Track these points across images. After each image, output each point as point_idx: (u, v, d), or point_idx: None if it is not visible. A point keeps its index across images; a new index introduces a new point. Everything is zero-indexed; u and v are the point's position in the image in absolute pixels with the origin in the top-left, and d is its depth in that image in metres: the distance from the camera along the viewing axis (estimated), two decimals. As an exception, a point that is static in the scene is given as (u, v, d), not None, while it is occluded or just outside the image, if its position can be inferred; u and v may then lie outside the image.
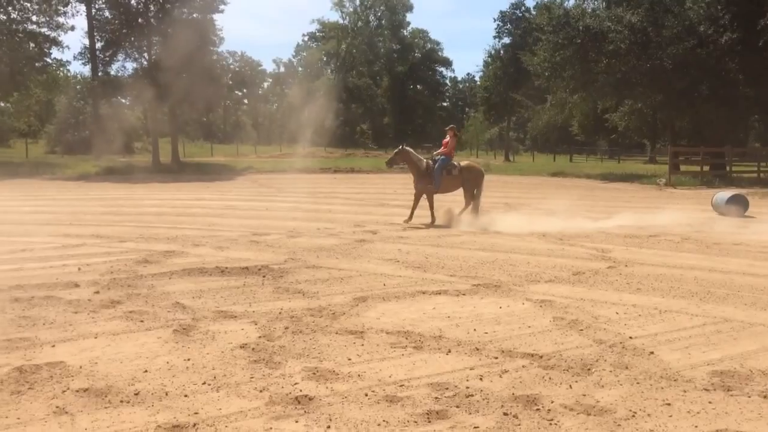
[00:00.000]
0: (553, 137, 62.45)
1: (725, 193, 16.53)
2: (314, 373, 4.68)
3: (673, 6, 31.26)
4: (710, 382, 4.61)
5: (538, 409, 4.11)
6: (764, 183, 26.24)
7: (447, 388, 4.44)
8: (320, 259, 9.32)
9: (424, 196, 13.98)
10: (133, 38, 38.98)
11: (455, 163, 14.29)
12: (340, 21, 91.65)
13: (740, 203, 15.82)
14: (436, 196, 14.14)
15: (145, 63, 39.68)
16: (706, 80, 30.57)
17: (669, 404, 4.22)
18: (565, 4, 37.88)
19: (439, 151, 14.42)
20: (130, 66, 41.04)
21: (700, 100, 31.53)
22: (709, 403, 4.26)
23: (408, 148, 14.52)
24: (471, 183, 14.11)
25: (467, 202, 14.08)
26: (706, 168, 29.96)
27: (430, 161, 14.16)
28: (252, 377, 4.62)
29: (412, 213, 13.72)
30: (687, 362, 5.02)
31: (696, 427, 3.90)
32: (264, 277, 8.01)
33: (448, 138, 14.28)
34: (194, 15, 39.95)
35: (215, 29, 40.68)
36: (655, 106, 38.26)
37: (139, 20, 38.90)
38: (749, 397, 4.36)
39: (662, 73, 30.66)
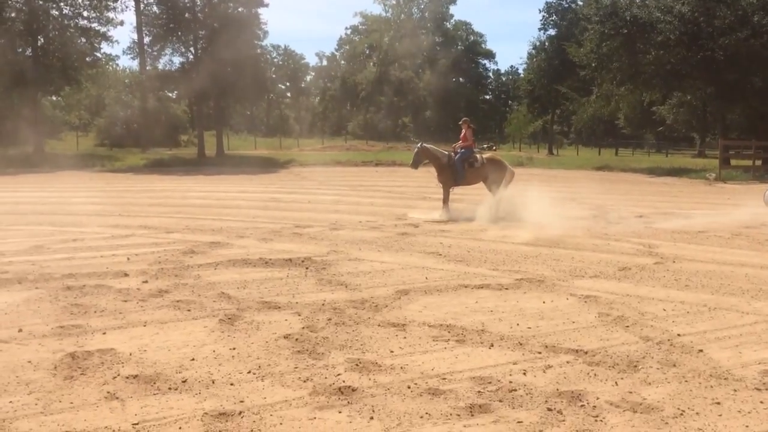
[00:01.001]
0: (599, 130, 61.33)
1: (778, 189, 15.99)
2: (357, 365, 4.72)
3: (726, -5, 30.32)
4: (762, 381, 4.49)
5: (582, 405, 4.06)
6: (820, 178, 25.29)
7: (490, 382, 4.42)
8: (362, 251, 9.36)
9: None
10: (180, 33, 39.71)
11: (477, 156, 14.19)
12: (383, 14, 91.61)
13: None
14: (461, 189, 14.11)
15: (192, 57, 40.35)
16: (759, 72, 29.57)
17: (718, 403, 4.12)
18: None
19: (458, 144, 14.33)
20: (177, 60, 41.79)
21: (753, 92, 30.54)
22: (761, 402, 4.14)
23: (427, 145, 14.54)
24: (494, 176, 14.00)
25: (493, 194, 13.97)
26: (758, 162, 29.03)
27: (452, 153, 14.11)
28: (296, 367, 4.68)
29: (445, 202, 13.73)
30: (737, 361, 4.89)
31: (747, 426, 3.81)
32: (307, 268, 8.09)
33: (464, 131, 14.23)
34: (239, 9, 40.45)
35: (260, 23, 41.19)
36: (705, 99, 37.20)
37: (186, 15, 39.59)
38: (804, 398, 4.22)
39: (713, 64, 29.78)
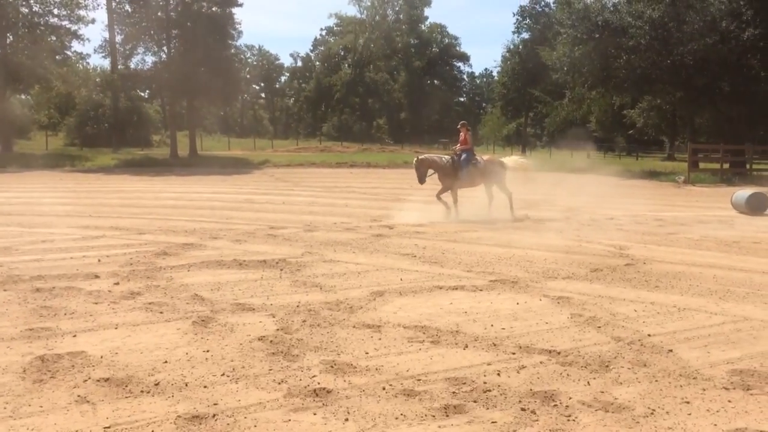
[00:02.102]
0: (571, 133, 62.04)
1: (745, 192, 16.33)
2: (332, 366, 4.71)
3: (695, 1, 30.86)
4: (730, 380, 4.58)
5: (555, 405, 4.11)
6: (786, 181, 25.88)
7: (464, 383, 4.44)
8: (337, 253, 9.35)
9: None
10: (152, 32, 39.27)
11: (478, 157, 14.31)
12: (358, 15, 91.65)
13: (760, 201, 15.63)
14: (462, 191, 14.19)
15: (164, 56, 39.93)
16: (727, 77, 30.18)
17: (688, 402, 4.19)
18: (586, -1, 37.51)
19: (459, 147, 14.39)
20: (150, 59, 41.34)
21: (721, 96, 31.16)
22: (729, 401, 4.23)
23: (423, 156, 14.55)
24: (494, 177, 14.11)
25: (490, 196, 14.09)
26: (725, 166, 29.63)
27: (454, 156, 14.15)
28: (270, 369, 4.66)
29: (455, 203, 13.82)
30: (706, 360, 4.98)
31: (715, 425, 3.88)
32: (281, 270, 8.06)
33: (463, 135, 14.33)
34: (213, 9, 40.13)
35: (234, 23, 40.87)
36: (675, 103, 37.84)
37: (159, 14, 39.14)
38: (769, 396, 4.32)
39: (683, 69, 30.31)
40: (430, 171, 14.05)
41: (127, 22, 39.67)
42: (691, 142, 33.95)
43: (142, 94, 53.87)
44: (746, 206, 15.48)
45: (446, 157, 14.35)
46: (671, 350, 5.20)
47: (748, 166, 29.55)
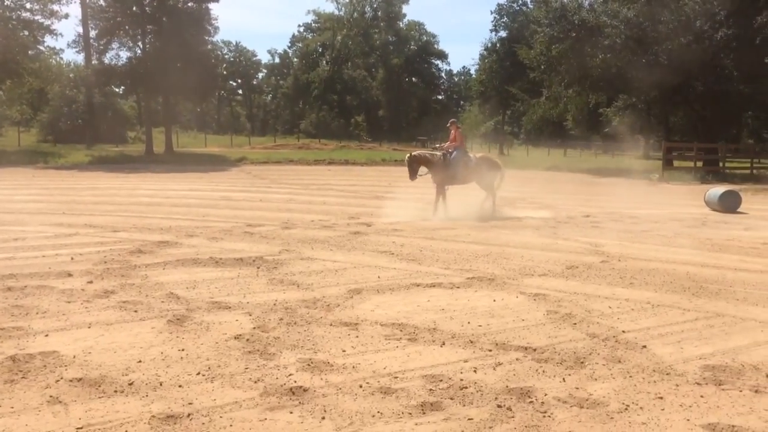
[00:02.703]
0: (548, 131, 62.53)
1: (718, 189, 16.59)
2: (309, 365, 4.69)
3: (670, 1, 31.24)
4: (702, 376, 4.64)
5: (531, 402, 4.13)
6: (757, 179, 26.37)
7: (441, 380, 4.45)
8: (315, 250, 9.32)
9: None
10: (127, 27, 38.76)
11: (471, 155, 14.30)
12: (336, 12, 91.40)
13: (733, 199, 15.89)
14: (454, 188, 14.20)
15: (140, 52, 39.46)
16: (700, 76, 30.62)
17: (661, 398, 4.25)
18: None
19: (449, 145, 14.33)
20: (125, 55, 40.80)
21: (695, 95, 31.61)
22: (701, 397, 4.29)
23: (416, 153, 14.51)
24: (487, 175, 14.14)
25: (487, 192, 14.12)
26: (699, 164, 30.06)
27: (446, 153, 14.10)
28: (246, 368, 4.63)
29: (443, 200, 13.80)
30: (679, 356, 5.05)
31: (688, 420, 3.93)
32: (258, 268, 8.01)
33: (453, 133, 14.30)
34: (189, 4, 39.73)
35: (210, 18, 40.48)
36: (650, 102, 38.32)
37: (134, 8, 38.65)
38: (740, 391, 4.39)
39: (657, 68, 30.67)
40: (423, 169, 14.00)
41: (102, 17, 39.09)
42: (665, 140, 34.40)
43: (117, 89, 53.22)
44: (719, 204, 15.72)
45: (438, 153, 14.32)
46: (645, 346, 5.26)
47: (721, 165, 30.00)
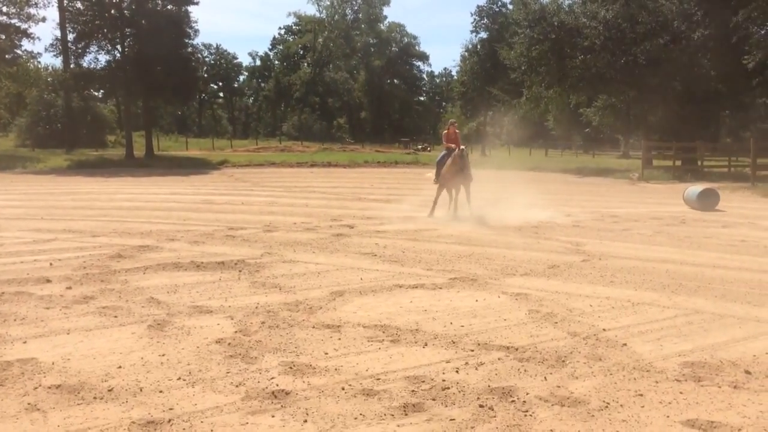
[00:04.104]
0: (529, 132, 62.89)
1: (696, 188, 16.78)
2: (291, 368, 4.67)
3: (648, 2, 31.58)
4: (681, 372, 4.69)
5: (513, 401, 4.15)
6: (734, 177, 26.69)
7: (423, 381, 4.45)
8: (297, 253, 9.29)
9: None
10: (106, 30, 38.38)
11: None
12: (317, 14, 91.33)
13: (711, 197, 16.08)
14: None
15: (119, 55, 39.11)
16: (678, 76, 30.97)
17: (641, 395, 4.28)
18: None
19: (446, 145, 14.21)
20: (104, 58, 40.54)
21: (673, 95, 31.94)
22: (681, 393, 4.33)
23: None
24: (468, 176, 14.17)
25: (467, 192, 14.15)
26: (678, 163, 30.38)
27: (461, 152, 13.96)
28: (228, 372, 4.60)
29: (435, 201, 13.80)
30: (659, 353, 5.10)
31: (668, 417, 3.97)
32: (240, 271, 7.97)
33: (447, 132, 14.22)
34: (169, 7, 39.45)
35: (190, 21, 40.19)
36: (629, 102, 38.69)
37: (113, 12, 38.31)
38: (719, 387, 4.44)
39: (636, 68, 30.98)
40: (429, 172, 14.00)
41: (79, 20, 38.64)
42: (644, 140, 34.74)
43: (96, 93, 52.72)
44: (697, 202, 15.91)
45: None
46: (625, 344, 5.30)
47: (699, 163, 30.32)
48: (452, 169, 13.58)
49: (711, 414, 4.01)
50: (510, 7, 54.63)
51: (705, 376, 4.63)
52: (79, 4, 38.94)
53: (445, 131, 14.47)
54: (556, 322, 5.90)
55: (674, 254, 9.58)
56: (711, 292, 7.13)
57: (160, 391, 4.24)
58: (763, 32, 22.24)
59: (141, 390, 4.26)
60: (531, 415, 3.96)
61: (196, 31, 40.96)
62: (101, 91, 49.13)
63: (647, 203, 17.91)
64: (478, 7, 60.05)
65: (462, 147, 13.82)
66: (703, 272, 8.22)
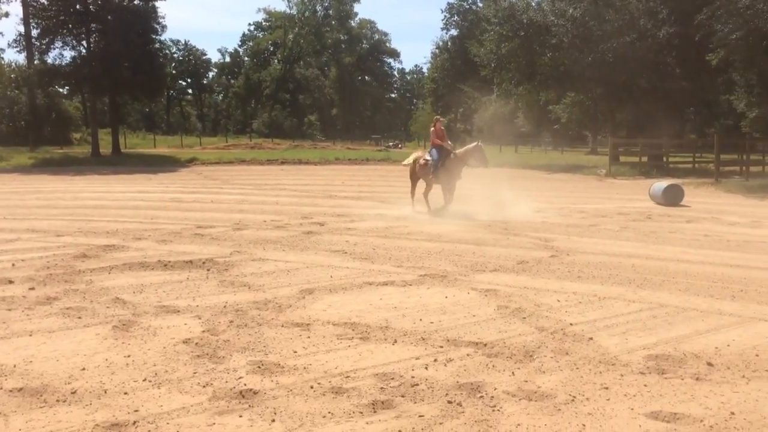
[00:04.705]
0: (500, 128, 63.40)
1: (662, 183, 17.08)
2: (259, 367, 4.64)
3: (615, 1, 31.98)
4: (646, 365, 4.77)
5: (481, 397, 4.18)
6: (699, 173, 27.22)
7: (393, 378, 4.46)
8: (267, 251, 9.23)
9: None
10: (71, 25, 37.64)
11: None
12: (287, 10, 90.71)
13: (676, 193, 16.38)
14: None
15: (84, 51, 38.41)
16: (645, 73, 31.44)
17: (607, 388, 4.34)
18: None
19: (445, 143, 14.19)
20: (69, 54, 39.69)
21: (639, 92, 32.42)
22: (645, 386, 4.40)
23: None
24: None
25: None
26: (644, 159, 30.87)
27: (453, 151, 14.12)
28: (195, 372, 4.55)
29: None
30: (624, 347, 5.17)
31: (632, 409, 4.03)
32: (208, 270, 7.89)
33: (434, 129, 14.16)
34: (135, 2, 38.84)
35: (158, 17, 39.61)
36: (597, 99, 39.16)
37: (78, 7, 37.58)
38: (682, 379, 4.52)
39: (603, 66, 31.38)
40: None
41: (44, 15, 37.81)
42: (612, 136, 35.22)
43: (61, 90, 51.63)
44: (663, 198, 16.19)
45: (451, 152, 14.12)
46: (592, 338, 5.37)
47: (665, 159, 30.85)
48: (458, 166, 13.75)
49: (674, 406, 4.08)
50: (480, 4, 54.96)
51: (668, 368, 4.72)
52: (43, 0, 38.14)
53: (432, 128, 14.31)
54: (525, 318, 5.95)
55: (640, 249, 9.73)
56: (675, 286, 7.26)
57: (125, 393, 4.18)
58: (726, 30, 22.67)
59: (105, 392, 4.20)
60: (499, 410, 3.99)
61: (164, 27, 40.41)
62: (66, 87, 48.03)
63: (614, 199, 18.18)
64: (448, 4, 60.45)
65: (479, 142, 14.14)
66: (667, 266, 8.36)
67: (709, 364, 4.80)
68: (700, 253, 9.40)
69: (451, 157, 13.88)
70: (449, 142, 14.42)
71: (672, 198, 16.16)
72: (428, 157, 14.08)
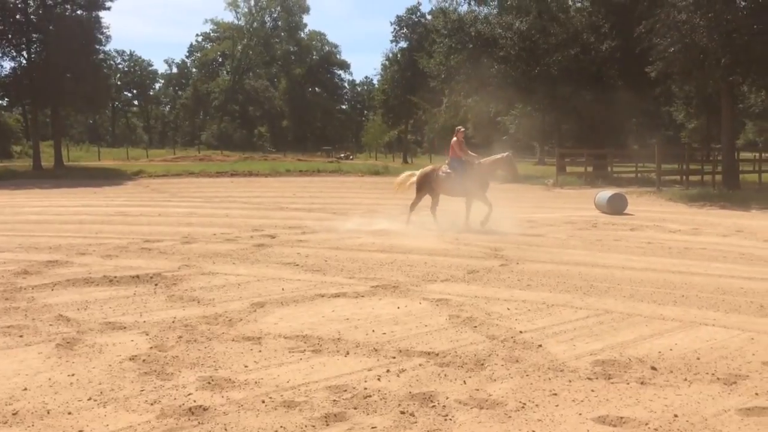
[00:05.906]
0: (450, 139, 64.05)
1: (606, 193, 17.54)
2: (209, 383, 4.56)
3: (559, 15, 32.83)
4: (593, 371, 4.88)
5: (433, 406, 4.20)
6: (641, 182, 28.07)
7: (345, 390, 4.44)
8: (216, 265, 9.10)
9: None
10: (10, 35, 36.53)
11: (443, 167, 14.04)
12: (235, 21, 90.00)
13: (620, 202, 16.85)
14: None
15: (25, 62, 37.29)
16: (588, 85, 32.31)
17: (555, 394, 4.42)
18: (459, 9, 38.96)
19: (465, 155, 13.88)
20: (8, 65, 38.49)
21: (583, 104, 33.30)
22: (592, 391, 4.50)
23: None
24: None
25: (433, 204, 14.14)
26: (589, 169, 31.66)
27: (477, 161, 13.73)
28: (142, 390, 4.44)
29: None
30: (572, 353, 5.28)
31: (580, 414, 4.11)
32: (156, 285, 7.72)
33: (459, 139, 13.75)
34: (78, 12, 37.96)
35: (101, 27, 38.80)
36: (543, 110, 40.03)
37: (17, 16, 36.52)
38: (628, 384, 4.64)
39: (549, 78, 32.13)
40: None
41: (-19, 25, 36.64)
42: (558, 147, 36.02)
43: (0, 101, 49.97)
44: (607, 206, 16.63)
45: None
46: (541, 345, 5.47)
47: (609, 169, 31.70)
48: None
49: (620, 410, 4.19)
50: (429, 17, 55.62)
51: (615, 373, 4.83)
52: (-20, 8, 36.91)
53: (454, 138, 13.81)
54: (476, 326, 6.02)
55: (586, 257, 9.96)
56: (620, 293, 7.46)
57: (69, 413, 4.05)
58: (664, 44, 23.51)
59: (48, 413, 4.06)
60: (451, 419, 4.01)
61: (108, 37, 39.67)
62: (6, 99, 46.55)
63: (561, 208, 18.58)
64: (397, 17, 60.87)
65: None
66: (613, 273, 8.59)
67: (653, 368, 4.94)
68: (644, 260, 9.69)
69: (474, 167, 13.50)
70: (470, 152, 14.03)
71: (616, 207, 16.61)
72: (448, 170, 13.69)
